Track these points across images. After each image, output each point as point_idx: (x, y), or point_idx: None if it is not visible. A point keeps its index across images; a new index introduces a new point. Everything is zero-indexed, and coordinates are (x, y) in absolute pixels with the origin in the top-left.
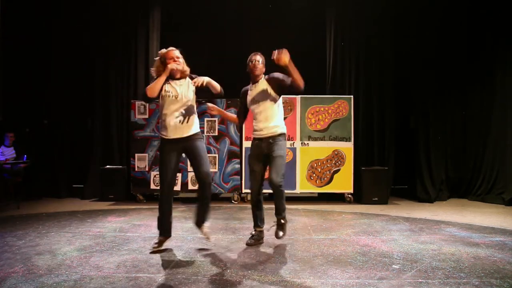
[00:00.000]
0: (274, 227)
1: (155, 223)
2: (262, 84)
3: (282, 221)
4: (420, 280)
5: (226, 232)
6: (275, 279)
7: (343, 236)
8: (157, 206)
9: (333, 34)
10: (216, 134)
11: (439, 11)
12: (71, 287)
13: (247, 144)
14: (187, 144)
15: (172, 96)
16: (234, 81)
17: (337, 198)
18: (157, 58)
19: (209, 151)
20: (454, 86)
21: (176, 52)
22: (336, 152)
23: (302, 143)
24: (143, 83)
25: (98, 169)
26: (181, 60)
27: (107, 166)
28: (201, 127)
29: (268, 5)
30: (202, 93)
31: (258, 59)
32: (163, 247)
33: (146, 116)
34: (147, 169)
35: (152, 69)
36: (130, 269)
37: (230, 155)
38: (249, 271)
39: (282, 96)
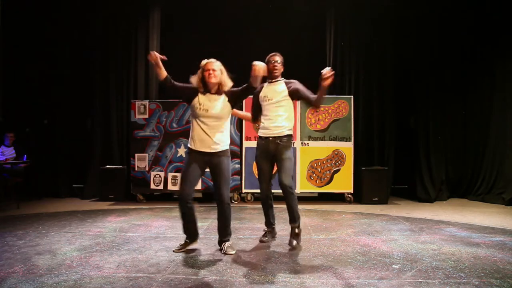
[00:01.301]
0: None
1: (155, 223)
2: (280, 84)
3: (297, 230)
4: (420, 280)
5: None
6: (275, 279)
7: (343, 236)
8: (157, 206)
9: (333, 34)
10: None
11: (439, 11)
12: (71, 287)
13: (247, 144)
14: (212, 159)
15: (203, 110)
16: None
17: (337, 198)
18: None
19: None
20: (454, 86)
21: (214, 65)
22: (336, 152)
23: (302, 143)
24: (143, 83)
25: (98, 169)
26: (218, 73)
27: (107, 166)
28: None
29: (268, 5)
30: None
31: (277, 60)
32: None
33: (146, 116)
34: (147, 169)
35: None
36: (130, 269)
37: (230, 155)
38: (249, 271)
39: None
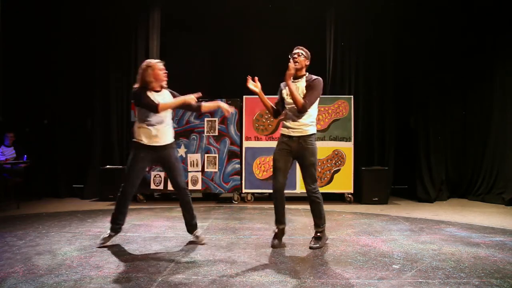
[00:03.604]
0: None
1: (155, 223)
2: (303, 82)
3: (319, 234)
4: (420, 280)
5: (226, 232)
6: (275, 279)
7: (343, 236)
8: (157, 206)
9: (333, 34)
10: (216, 134)
11: (439, 11)
12: (71, 287)
13: (247, 144)
14: (163, 153)
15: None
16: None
17: (337, 198)
18: (145, 67)
19: (209, 151)
20: (454, 86)
21: (161, 65)
22: (336, 152)
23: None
24: None
25: (98, 169)
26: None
27: (107, 166)
28: (201, 127)
29: (268, 5)
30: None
31: (298, 52)
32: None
33: None
34: (147, 169)
35: (137, 80)
36: (130, 269)
37: (230, 155)
38: (249, 271)
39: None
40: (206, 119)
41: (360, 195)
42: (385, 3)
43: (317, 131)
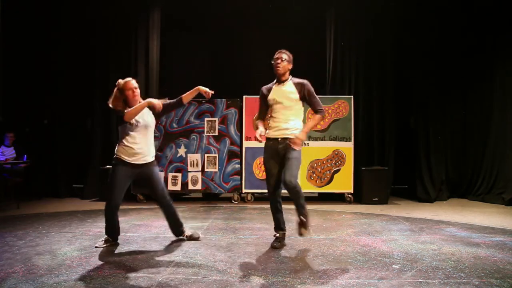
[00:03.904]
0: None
1: (155, 223)
2: (289, 86)
3: (302, 218)
4: (420, 280)
5: (226, 232)
6: (275, 279)
7: (343, 236)
8: (157, 206)
9: (333, 34)
10: (216, 134)
11: (439, 11)
12: (71, 287)
13: (247, 144)
14: (144, 170)
15: (142, 126)
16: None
17: (337, 198)
18: (115, 89)
19: (209, 151)
20: (454, 86)
21: (133, 83)
22: (336, 152)
23: (302, 143)
24: (143, 83)
25: (98, 169)
26: (138, 90)
27: (107, 166)
28: (201, 127)
29: (268, 5)
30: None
31: (280, 57)
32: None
33: None
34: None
35: (111, 100)
36: (130, 269)
37: (230, 155)
38: (249, 271)
39: None
40: (206, 119)
41: (360, 195)
42: (385, 3)
43: (317, 131)
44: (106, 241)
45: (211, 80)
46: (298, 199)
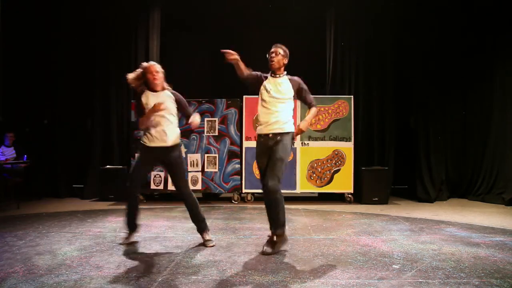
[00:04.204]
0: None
1: (155, 223)
2: (283, 81)
3: (275, 238)
4: (420, 280)
5: (226, 232)
6: (275, 279)
7: (343, 236)
8: (157, 206)
9: (333, 34)
10: (216, 134)
11: (439, 11)
12: (71, 287)
13: (247, 144)
14: (165, 154)
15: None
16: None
17: (337, 198)
18: (140, 68)
19: (209, 151)
20: (454, 86)
21: (156, 67)
22: (336, 152)
23: (302, 143)
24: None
25: (98, 169)
26: (160, 75)
27: (107, 166)
28: (201, 127)
29: (268, 5)
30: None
31: (276, 51)
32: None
33: None
34: (151, 171)
35: (131, 76)
36: (130, 269)
37: (230, 155)
38: (249, 271)
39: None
40: (206, 119)
41: (360, 195)
42: (385, 3)
43: (317, 131)
44: (127, 238)
45: (211, 80)
46: (275, 208)
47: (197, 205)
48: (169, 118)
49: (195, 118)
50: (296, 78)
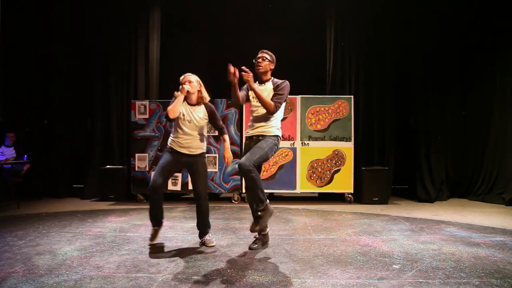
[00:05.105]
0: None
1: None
2: (269, 86)
3: (259, 213)
4: (421, 280)
5: (226, 232)
6: (275, 279)
7: (343, 236)
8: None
9: (333, 34)
10: (217, 134)
11: (439, 11)
12: (71, 287)
13: None
14: (191, 160)
15: (186, 120)
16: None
17: (337, 198)
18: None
19: (209, 151)
20: (454, 86)
21: (187, 77)
22: (336, 152)
23: (302, 143)
24: (143, 83)
25: (98, 169)
26: (195, 84)
27: (107, 166)
28: None
29: (268, 5)
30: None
31: (263, 56)
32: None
33: (147, 116)
34: (147, 169)
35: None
36: (130, 269)
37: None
38: (249, 271)
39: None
40: None
41: (360, 195)
42: (385, 3)
43: (318, 131)
44: (153, 234)
45: (211, 80)
46: (254, 188)
47: (208, 212)
48: (198, 131)
49: (230, 154)
50: (279, 80)
